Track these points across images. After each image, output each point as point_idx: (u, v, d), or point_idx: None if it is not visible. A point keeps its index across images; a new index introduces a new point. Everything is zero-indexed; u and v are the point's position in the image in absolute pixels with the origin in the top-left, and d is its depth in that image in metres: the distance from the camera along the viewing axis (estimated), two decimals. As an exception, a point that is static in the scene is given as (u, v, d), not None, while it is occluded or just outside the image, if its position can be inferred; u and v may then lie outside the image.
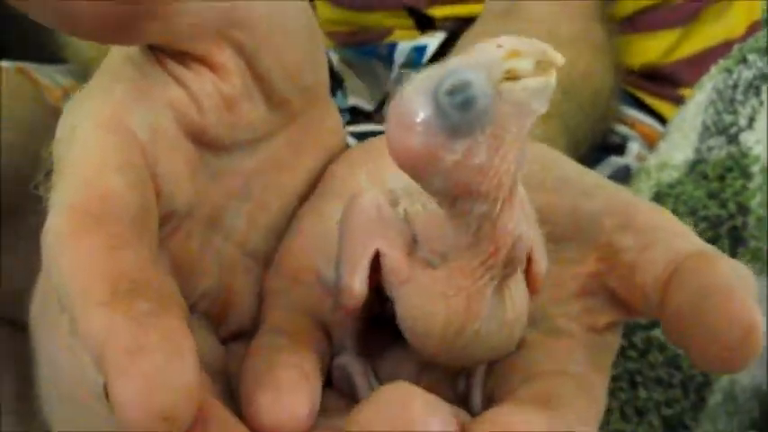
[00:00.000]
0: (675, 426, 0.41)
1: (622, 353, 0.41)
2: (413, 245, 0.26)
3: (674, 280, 0.25)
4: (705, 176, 0.41)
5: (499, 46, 0.22)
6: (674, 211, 0.43)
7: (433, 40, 0.66)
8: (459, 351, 0.26)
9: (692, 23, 0.67)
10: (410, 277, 0.26)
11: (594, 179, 0.30)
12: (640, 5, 0.66)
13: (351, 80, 0.69)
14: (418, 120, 0.22)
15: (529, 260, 0.26)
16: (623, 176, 0.56)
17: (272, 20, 0.28)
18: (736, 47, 0.45)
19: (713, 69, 0.45)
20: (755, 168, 0.40)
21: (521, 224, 0.24)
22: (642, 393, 0.41)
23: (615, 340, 0.29)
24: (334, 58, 0.71)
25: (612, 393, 0.42)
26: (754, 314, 0.23)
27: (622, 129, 0.63)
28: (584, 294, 0.28)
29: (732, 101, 0.42)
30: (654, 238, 0.27)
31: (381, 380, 0.29)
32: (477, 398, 0.28)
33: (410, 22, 0.69)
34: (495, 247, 0.24)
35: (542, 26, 0.53)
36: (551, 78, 0.22)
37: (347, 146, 0.33)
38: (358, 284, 0.26)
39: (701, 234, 0.42)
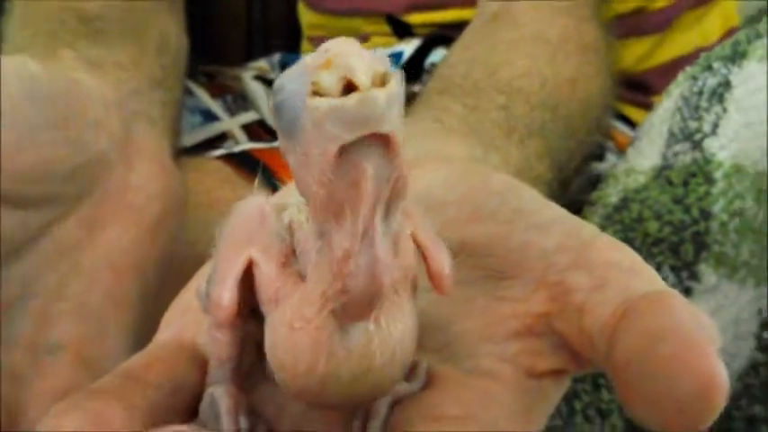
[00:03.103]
0: (638, 427, 0.41)
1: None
2: (291, 257, 0.23)
3: (624, 322, 0.23)
4: (670, 182, 0.42)
5: (325, 51, 0.20)
6: (640, 216, 0.43)
7: (408, 47, 0.66)
8: (318, 393, 0.23)
9: (666, 31, 0.67)
10: (278, 296, 0.23)
11: (554, 213, 0.28)
12: (614, 13, 0.66)
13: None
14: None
15: (426, 258, 0.24)
16: (594, 183, 0.57)
17: None
18: (702, 55, 0.45)
19: (680, 76, 0.46)
20: (719, 174, 0.41)
21: (368, 257, 0.21)
22: (605, 395, 0.42)
23: (555, 391, 0.26)
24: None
25: (576, 395, 0.42)
26: (716, 367, 0.20)
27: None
28: (527, 335, 0.26)
29: (697, 107, 0.43)
30: (607, 278, 0.24)
31: (263, 415, 0.26)
32: None
33: (388, 28, 0.70)
34: (331, 276, 0.22)
35: (529, 29, 0.51)
36: (350, 102, 0.19)
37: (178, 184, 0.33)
38: (227, 294, 0.23)
39: (665, 239, 0.43)
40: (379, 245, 0.21)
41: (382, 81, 0.20)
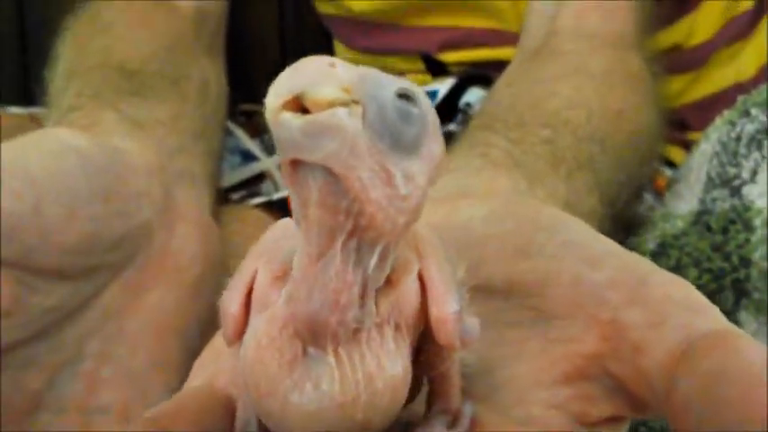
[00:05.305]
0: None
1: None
2: (290, 273, 0.22)
3: (684, 363, 0.21)
4: (709, 228, 0.42)
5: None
6: (678, 263, 0.43)
7: (443, 86, 0.66)
8: (281, 420, 0.22)
9: (702, 68, 0.67)
10: (261, 309, 0.22)
11: (606, 247, 0.26)
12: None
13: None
14: None
15: (428, 301, 0.22)
16: (629, 222, 0.56)
17: (35, 220, 0.28)
18: (739, 99, 0.45)
19: (718, 121, 0.46)
20: (758, 221, 0.41)
21: (319, 286, 0.21)
22: (647, 444, 0.42)
23: None
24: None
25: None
26: None
27: None
28: (579, 378, 0.25)
29: (735, 153, 0.43)
30: (665, 315, 0.23)
31: None
32: None
33: (422, 66, 0.70)
34: (289, 313, 0.21)
35: (572, 61, 0.50)
36: (270, 120, 0.19)
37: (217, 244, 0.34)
38: (235, 302, 0.23)
39: (704, 286, 0.43)
40: (335, 277, 0.21)
41: (330, 105, 0.19)
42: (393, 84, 0.20)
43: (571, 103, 0.46)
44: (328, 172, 0.20)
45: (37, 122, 0.66)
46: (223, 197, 0.54)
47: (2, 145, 0.29)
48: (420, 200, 0.21)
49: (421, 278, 0.23)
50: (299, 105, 0.19)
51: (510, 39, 0.63)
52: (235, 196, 0.60)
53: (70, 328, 0.30)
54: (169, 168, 0.35)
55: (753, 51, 0.69)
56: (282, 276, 0.22)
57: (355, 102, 0.19)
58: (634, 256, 0.26)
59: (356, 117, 0.19)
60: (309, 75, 0.19)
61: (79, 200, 0.29)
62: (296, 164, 0.20)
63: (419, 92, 0.21)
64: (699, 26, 0.66)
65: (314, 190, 0.20)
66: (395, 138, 0.20)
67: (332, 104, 0.19)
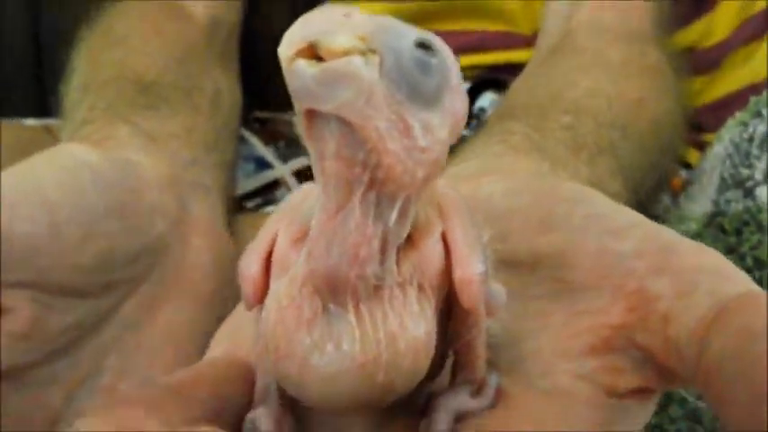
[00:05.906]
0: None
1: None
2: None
3: (716, 324, 0.21)
4: (723, 230, 0.42)
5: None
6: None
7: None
8: (299, 383, 0.21)
9: (717, 69, 0.67)
10: (281, 271, 0.22)
11: (630, 217, 0.26)
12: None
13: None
14: None
15: (451, 262, 0.22)
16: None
17: (51, 241, 0.28)
18: (751, 100, 0.45)
19: (730, 121, 0.46)
20: (771, 222, 0.41)
21: (338, 241, 0.20)
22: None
23: (641, 411, 0.25)
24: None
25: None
26: None
27: None
28: (606, 350, 0.24)
29: (748, 154, 0.43)
30: (694, 283, 0.23)
31: None
32: None
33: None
34: (308, 269, 0.21)
35: (589, 54, 0.50)
36: (285, 68, 0.19)
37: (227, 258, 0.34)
38: (254, 264, 0.23)
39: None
40: (354, 230, 0.20)
41: (345, 54, 0.19)
42: (411, 33, 0.20)
43: (590, 92, 0.45)
44: (344, 122, 0.19)
45: (52, 134, 0.67)
46: (238, 205, 0.54)
47: (16, 165, 0.29)
48: (440, 153, 0.20)
49: (445, 240, 0.22)
50: (313, 54, 0.19)
51: (522, 41, 0.62)
52: (250, 204, 0.61)
53: (88, 343, 0.30)
54: (182, 181, 0.36)
55: (767, 52, 0.68)
56: (302, 238, 0.22)
57: (372, 51, 0.19)
58: (657, 226, 0.26)
59: (373, 66, 0.19)
60: (324, 23, 0.19)
61: (95, 217, 0.29)
62: (311, 115, 0.19)
63: (439, 43, 0.20)
64: (715, 26, 0.66)
65: (330, 141, 0.19)
66: (413, 88, 0.20)
67: (347, 53, 0.19)
